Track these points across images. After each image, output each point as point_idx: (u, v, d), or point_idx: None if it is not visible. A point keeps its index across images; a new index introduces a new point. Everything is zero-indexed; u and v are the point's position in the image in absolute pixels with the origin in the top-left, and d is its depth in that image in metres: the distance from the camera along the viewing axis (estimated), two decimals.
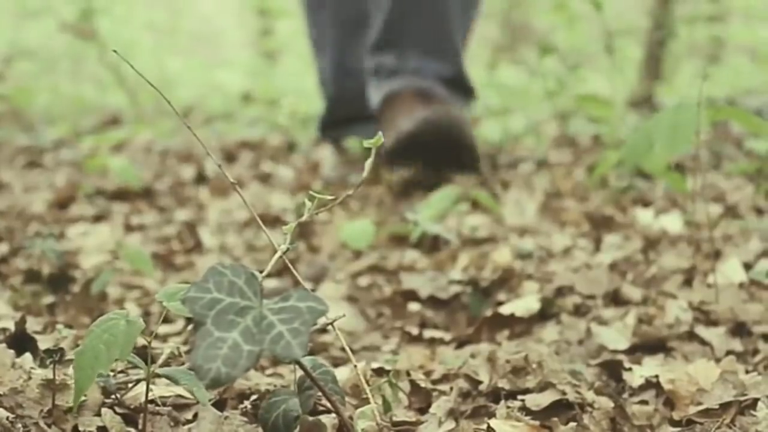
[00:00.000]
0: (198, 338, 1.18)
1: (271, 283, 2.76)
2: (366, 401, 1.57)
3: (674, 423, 1.75)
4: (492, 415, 1.70)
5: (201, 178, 4.83)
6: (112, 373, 1.68)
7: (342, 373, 1.92)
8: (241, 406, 1.68)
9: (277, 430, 1.45)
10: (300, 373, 1.48)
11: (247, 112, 8.24)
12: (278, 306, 1.23)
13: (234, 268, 1.26)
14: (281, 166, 5.22)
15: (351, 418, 1.59)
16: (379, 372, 1.89)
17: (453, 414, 1.73)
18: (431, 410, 1.73)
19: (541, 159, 4.86)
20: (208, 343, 1.17)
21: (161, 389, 1.67)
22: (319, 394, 1.48)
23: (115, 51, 1.69)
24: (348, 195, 1.54)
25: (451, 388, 1.82)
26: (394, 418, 1.67)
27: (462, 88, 4.57)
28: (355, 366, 1.57)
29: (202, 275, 1.27)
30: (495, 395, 1.82)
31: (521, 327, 2.36)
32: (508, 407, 1.69)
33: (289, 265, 1.65)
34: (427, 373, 1.96)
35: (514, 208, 3.75)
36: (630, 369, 1.97)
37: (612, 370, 1.99)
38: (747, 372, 1.91)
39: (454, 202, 3.49)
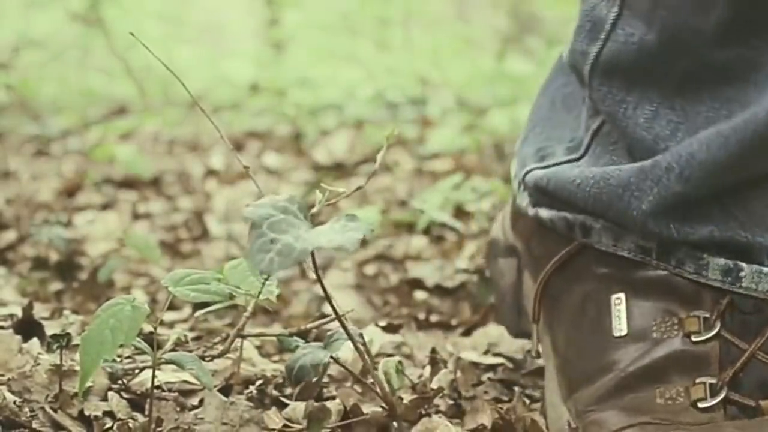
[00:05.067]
0: (253, 236, 1.23)
1: (280, 272, 2.76)
2: (372, 386, 1.58)
3: None
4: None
5: (208, 167, 4.83)
6: (118, 359, 1.69)
7: (347, 355, 1.92)
8: (247, 391, 1.69)
9: (303, 374, 1.47)
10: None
11: (254, 103, 8.23)
12: (328, 226, 1.29)
13: (288, 197, 1.32)
14: (287, 156, 5.23)
15: (349, 407, 1.59)
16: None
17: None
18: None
19: None
20: (263, 240, 1.22)
21: (167, 375, 1.68)
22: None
23: (132, 34, 1.69)
24: (359, 188, 1.54)
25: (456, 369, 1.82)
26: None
27: None
28: (364, 357, 1.57)
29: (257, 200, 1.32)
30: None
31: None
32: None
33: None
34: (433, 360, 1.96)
35: None
36: None
37: None
38: None
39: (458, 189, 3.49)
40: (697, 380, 1.33)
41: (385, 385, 1.57)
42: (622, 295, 1.39)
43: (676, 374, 1.35)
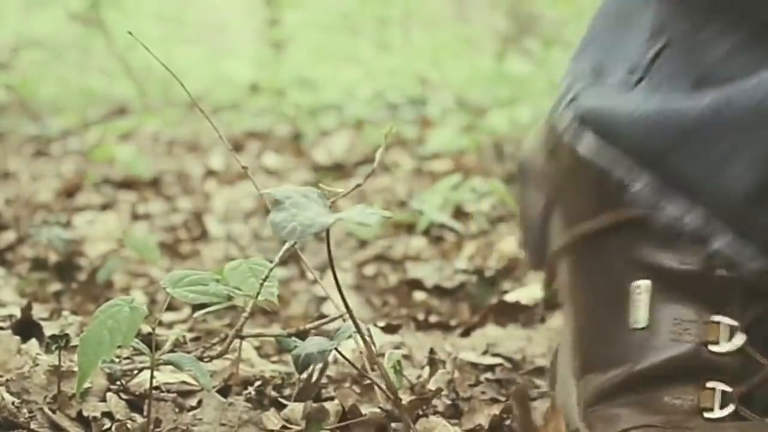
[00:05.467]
0: (276, 210, 1.26)
1: (279, 272, 2.76)
2: (370, 387, 1.58)
3: None
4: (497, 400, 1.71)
5: (208, 168, 4.83)
6: (117, 360, 1.69)
7: (347, 353, 1.92)
8: (245, 392, 1.68)
9: (310, 360, 1.50)
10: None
11: (254, 103, 8.23)
12: (346, 210, 1.33)
13: (308, 188, 1.35)
14: (286, 156, 5.23)
15: (348, 407, 1.59)
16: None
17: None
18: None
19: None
20: (286, 213, 1.26)
21: (166, 376, 1.67)
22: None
23: (130, 33, 1.69)
24: (357, 186, 1.54)
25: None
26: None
27: None
28: (361, 353, 1.58)
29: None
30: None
31: (526, 314, 2.36)
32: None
33: (300, 254, 1.66)
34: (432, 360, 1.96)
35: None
36: None
37: None
38: None
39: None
40: (708, 384, 1.25)
41: (392, 377, 1.57)
42: (645, 284, 1.26)
43: (688, 378, 1.26)
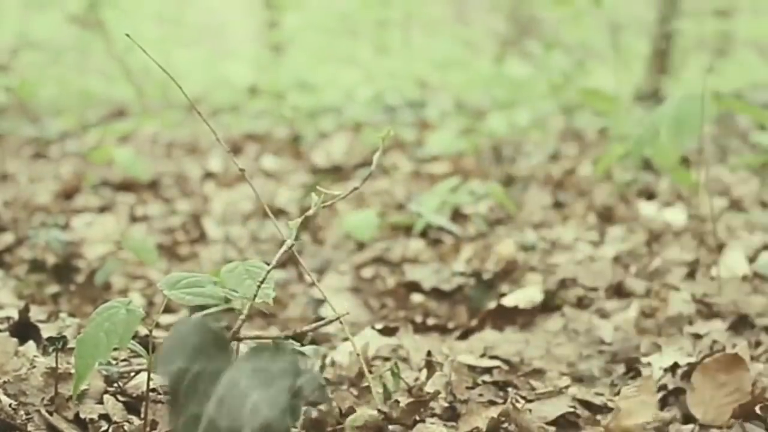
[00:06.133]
0: (174, 415, 1.10)
1: (277, 275, 2.76)
2: (367, 389, 1.58)
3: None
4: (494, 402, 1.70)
5: (206, 170, 4.83)
6: (114, 362, 1.69)
7: (344, 359, 1.93)
8: None
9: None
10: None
11: (253, 105, 8.23)
12: (251, 366, 1.13)
13: (196, 325, 1.16)
14: (285, 158, 5.23)
15: (345, 411, 1.59)
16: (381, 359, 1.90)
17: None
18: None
19: (547, 151, 4.85)
20: (186, 419, 1.08)
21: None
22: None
23: (127, 35, 1.69)
24: (355, 188, 1.54)
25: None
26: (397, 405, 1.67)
27: None
28: (358, 354, 1.57)
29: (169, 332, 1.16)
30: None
31: (524, 318, 2.36)
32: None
33: (298, 257, 1.65)
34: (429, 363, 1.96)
35: (519, 200, 3.75)
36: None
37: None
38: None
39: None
40: None
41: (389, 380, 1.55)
42: None
43: None
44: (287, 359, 1.11)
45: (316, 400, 1.41)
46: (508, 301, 2.41)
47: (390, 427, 1.56)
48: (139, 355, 1.50)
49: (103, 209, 3.94)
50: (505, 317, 2.36)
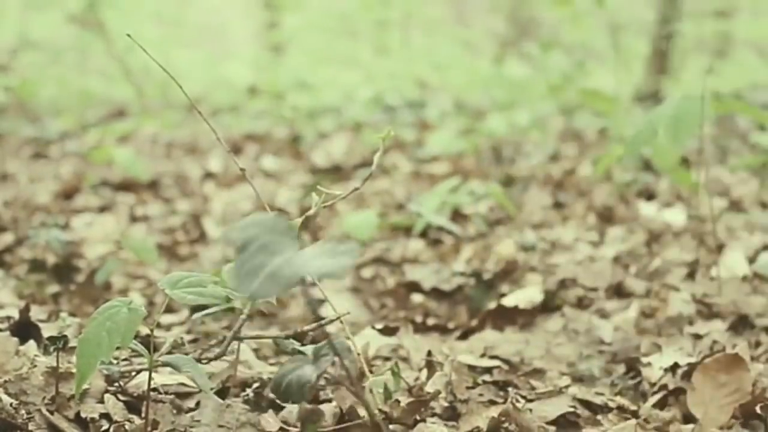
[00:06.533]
0: (241, 259, 1.19)
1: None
2: (368, 389, 1.58)
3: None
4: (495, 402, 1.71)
5: (206, 170, 4.83)
6: (115, 362, 1.69)
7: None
8: (243, 394, 1.69)
9: (290, 393, 1.43)
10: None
11: (252, 105, 8.24)
12: (317, 249, 1.24)
13: (276, 214, 1.29)
14: (285, 159, 5.23)
15: (346, 409, 1.59)
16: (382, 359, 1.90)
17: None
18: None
19: (546, 152, 4.86)
20: (251, 264, 1.18)
21: (164, 377, 1.67)
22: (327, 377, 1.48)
23: (128, 35, 1.69)
24: (356, 189, 1.54)
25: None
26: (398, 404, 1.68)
27: None
28: (358, 354, 1.58)
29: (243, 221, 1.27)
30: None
31: (524, 318, 2.36)
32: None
33: None
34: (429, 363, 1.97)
35: (518, 200, 3.75)
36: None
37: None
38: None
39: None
40: None
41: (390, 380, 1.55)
42: None
43: None
44: (350, 247, 1.22)
45: (344, 359, 1.43)
46: (508, 301, 2.41)
47: (390, 426, 1.56)
48: (140, 355, 1.50)
49: (103, 209, 3.94)
50: (505, 317, 2.36)
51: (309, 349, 1.52)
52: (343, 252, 1.20)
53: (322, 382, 1.74)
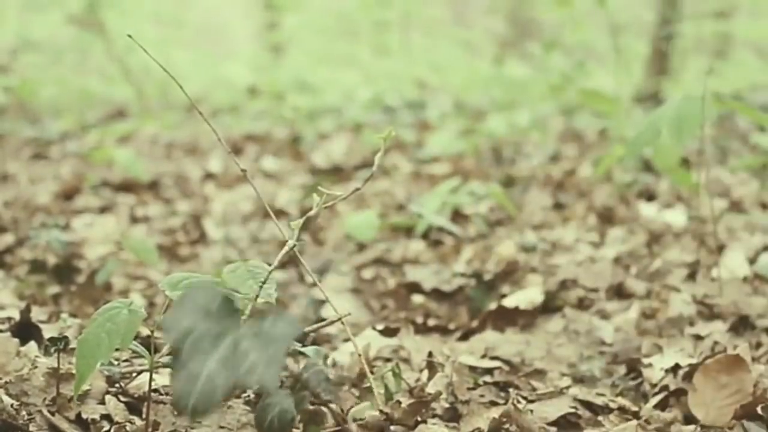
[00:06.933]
0: (175, 369, 1.15)
1: (278, 275, 2.76)
2: (368, 390, 1.58)
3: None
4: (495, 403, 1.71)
5: (206, 171, 4.83)
6: (116, 363, 1.69)
7: (345, 359, 1.93)
8: (244, 395, 1.69)
9: (273, 431, 1.44)
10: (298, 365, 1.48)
11: (252, 106, 8.24)
12: (254, 329, 1.19)
13: (208, 289, 1.23)
14: (285, 159, 5.23)
15: (346, 411, 1.59)
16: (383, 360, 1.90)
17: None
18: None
19: (547, 152, 4.86)
20: (186, 375, 1.14)
21: (165, 378, 1.67)
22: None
23: (130, 36, 1.69)
24: (356, 189, 1.54)
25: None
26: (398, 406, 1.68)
27: None
28: (359, 355, 1.57)
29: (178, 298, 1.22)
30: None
31: (525, 319, 2.36)
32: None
33: (299, 258, 1.65)
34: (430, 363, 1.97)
35: (519, 201, 3.75)
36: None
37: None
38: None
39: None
40: None
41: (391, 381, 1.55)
42: None
43: None
44: (287, 322, 1.17)
45: (320, 393, 1.43)
46: (509, 302, 2.41)
47: (392, 427, 1.56)
48: (141, 356, 1.50)
49: (103, 210, 3.94)
50: (506, 318, 2.36)
51: (310, 350, 1.52)
52: (280, 338, 1.15)
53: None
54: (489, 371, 1.96)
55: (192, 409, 1.13)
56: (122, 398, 1.60)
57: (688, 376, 1.81)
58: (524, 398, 1.76)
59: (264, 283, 1.49)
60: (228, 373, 1.13)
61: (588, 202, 3.69)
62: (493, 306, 2.42)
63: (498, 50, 12.35)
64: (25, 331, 1.91)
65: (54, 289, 2.71)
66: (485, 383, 1.84)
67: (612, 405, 1.77)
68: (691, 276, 2.58)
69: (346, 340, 2.04)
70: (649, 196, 3.74)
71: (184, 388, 1.14)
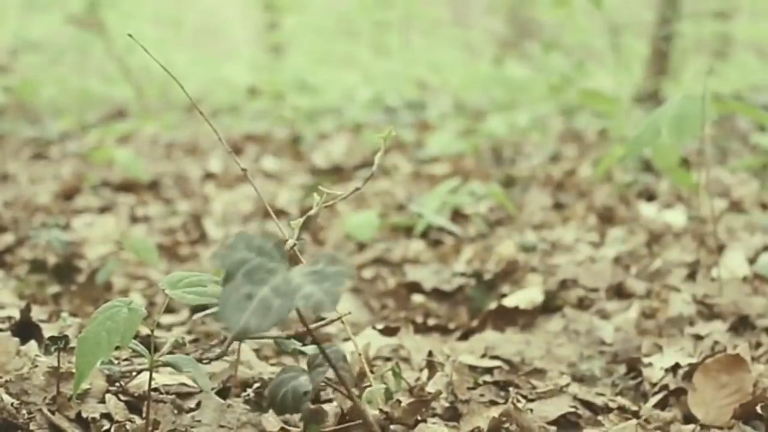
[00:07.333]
0: (227, 291, 1.17)
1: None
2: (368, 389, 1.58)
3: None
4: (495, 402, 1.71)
5: (206, 170, 4.83)
6: (116, 362, 1.69)
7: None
8: (244, 394, 1.69)
9: (286, 406, 1.43)
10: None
11: (252, 106, 8.25)
12: (307, 270, 1.23)
13: (262, 233, 1.29)
14: (285, 159, 5.23)
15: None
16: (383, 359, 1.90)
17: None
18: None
19: (546, 152, 4.86)
20: (239, 295, 1.17)
21: (165, 377, 1.68)
22: (328, 374, 1.48)
23: (130, 35, 1.69)
24: (357, 189, 1.54)
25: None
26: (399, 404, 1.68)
27: None
28: (359, 355, 1.58)
29: (230, 239, 1.25)
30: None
31: (525, 319, 2.36)
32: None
33: (300, 257, 1.65)
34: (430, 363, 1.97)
35: (519, 201, 3.75)
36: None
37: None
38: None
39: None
40: None
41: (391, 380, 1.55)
42: None
43: None
44: (341, 264, 1.22)
45: (338, 369, 1.44)
46: (509, 302, 2.41)
47: (392, 427, 1.56)
48: (141, 355, 1.50)
49: (103, 210, 3.95)
50: (506, 318, 2.36)
51: (310, 349, 1.52)
52: (333, 274, 1.19)
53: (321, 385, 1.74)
54: (489, 371, 1.96)
55: (244, 325, 1.14)
56: (122, 397, 1.60)
57: (688, 376, 1.81)
58: (524, 397, 1.76)
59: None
60: (282, 300, 1.17)
61: (588, 202, 3.69)
62: (493, 306, 2.42)
63: (498, 50, 12.35)
64: (25, 330, 1.91)
65: (54, 288, 2.71)
66: (485, 382, 1.84)
67: (612, 404, 1.78)
68: (691, 276, 2.58)
69: (346, 339, 2.04)
70: (649, 196, 3.75)
71: (237, 306, 1.16)
